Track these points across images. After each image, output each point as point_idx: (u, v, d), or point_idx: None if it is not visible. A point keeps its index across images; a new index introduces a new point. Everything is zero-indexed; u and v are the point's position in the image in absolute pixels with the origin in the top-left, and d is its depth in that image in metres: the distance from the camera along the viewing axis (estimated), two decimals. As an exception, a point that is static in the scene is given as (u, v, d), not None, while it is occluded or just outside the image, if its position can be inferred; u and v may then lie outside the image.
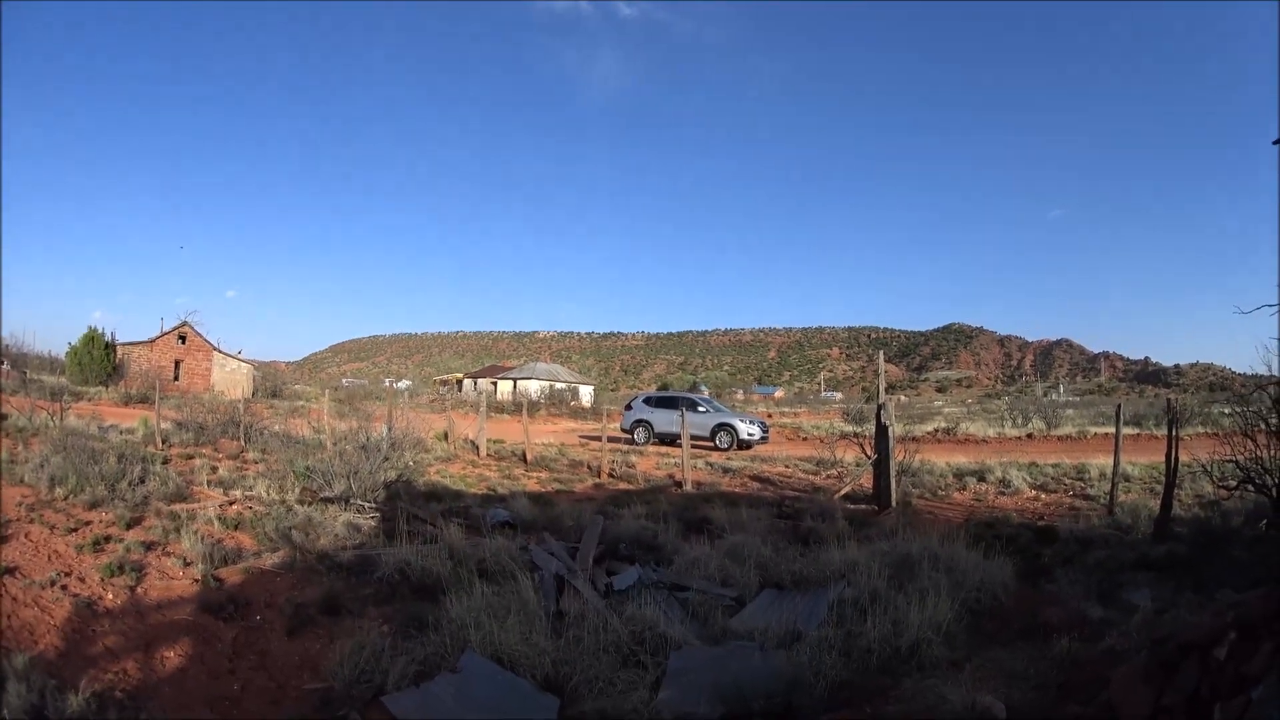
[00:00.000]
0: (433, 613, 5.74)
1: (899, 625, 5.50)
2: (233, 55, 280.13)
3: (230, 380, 47.55)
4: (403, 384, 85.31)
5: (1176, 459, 9.69)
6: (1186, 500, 11.17)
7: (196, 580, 6.58)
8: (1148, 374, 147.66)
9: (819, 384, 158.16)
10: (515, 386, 70.30)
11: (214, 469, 11.92)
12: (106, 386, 39.62)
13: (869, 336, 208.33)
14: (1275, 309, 6.80)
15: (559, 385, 69.59)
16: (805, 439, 30.01)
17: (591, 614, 5.72)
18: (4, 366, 36.75)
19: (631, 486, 14.71)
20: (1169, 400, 11.82)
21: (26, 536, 7.05)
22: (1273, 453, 7.44)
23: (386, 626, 5.72)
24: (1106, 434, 22.80)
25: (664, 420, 25.46)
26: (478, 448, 19.38)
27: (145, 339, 47.30)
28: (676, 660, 5.07)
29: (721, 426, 24.70)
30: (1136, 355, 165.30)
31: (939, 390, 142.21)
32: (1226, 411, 12.24)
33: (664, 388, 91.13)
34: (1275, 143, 5.45)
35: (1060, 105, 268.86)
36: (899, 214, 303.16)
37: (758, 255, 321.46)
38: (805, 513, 11.02)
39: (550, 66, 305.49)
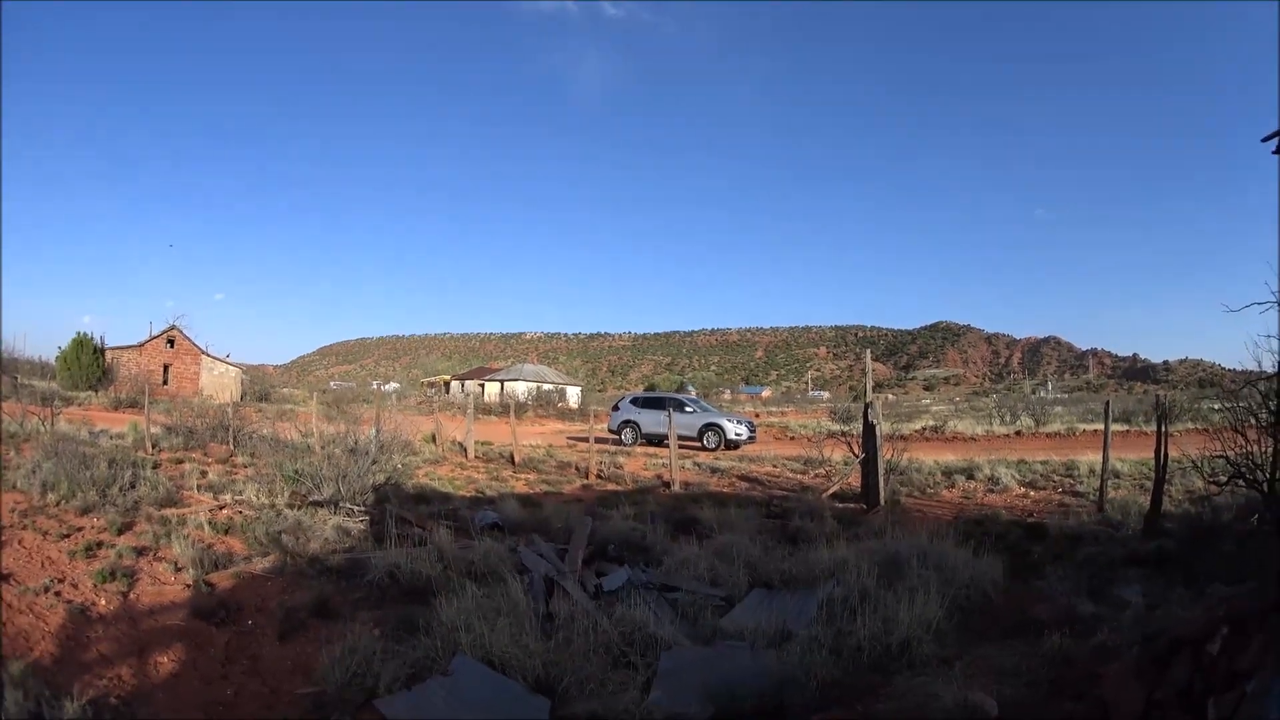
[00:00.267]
0: (423, 616, 5.76)
1: (889, 623, 5.53)
2: (220, 58, 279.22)
3: (219, 384, 47.28)
4: (390, 386, 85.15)
5: (1166, 455, 9.76)
6: (1177, 496, 11.24)
7: (188, 585, 6.60)
8: (1136, 370, 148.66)
9: (806, 383, 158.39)
10: (503, 388, 70.23)
11: (204, 473, 11.90)
12: (96, 391, 39.34)
13: (856, 335, 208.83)
14: (1265, 306, 6.89)
15: (546, 386, 69.47)
16: (793, 438, 30.08)
17: (581, 615, 5.76)
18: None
19: (619, 487, 14.74)
20: (1158, 396, 11.93)
21: (20, 543, 7.05)
22: (1263, 448, 7.47)
23: (377, 630, 5.73)
24: (1095, 431, 23.02)
25: (651, 421, 25.46)
26: (466, 450, 19.36)
27: (134, 343, 46.94)
28: (667, 661, 5.11)
29: (709, 426, 24.75)
30: (1125, 352, 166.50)
31: (926, 388, 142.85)
32: (1216, 407, 12.36)
33: (651, 388, 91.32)
34: (1276, 152, 5.51)
35: (1046, 103, 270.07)
36: (885, 213, 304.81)
37: (744, 255, 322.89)
38: (794, 512, 11.08)
39: (537, 67, 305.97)
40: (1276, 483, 7.23)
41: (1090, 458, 15.41)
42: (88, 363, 42.15)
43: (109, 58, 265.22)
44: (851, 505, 12.34)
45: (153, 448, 14.70)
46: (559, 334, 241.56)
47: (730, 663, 5.10)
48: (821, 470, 16.63)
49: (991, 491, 13.80)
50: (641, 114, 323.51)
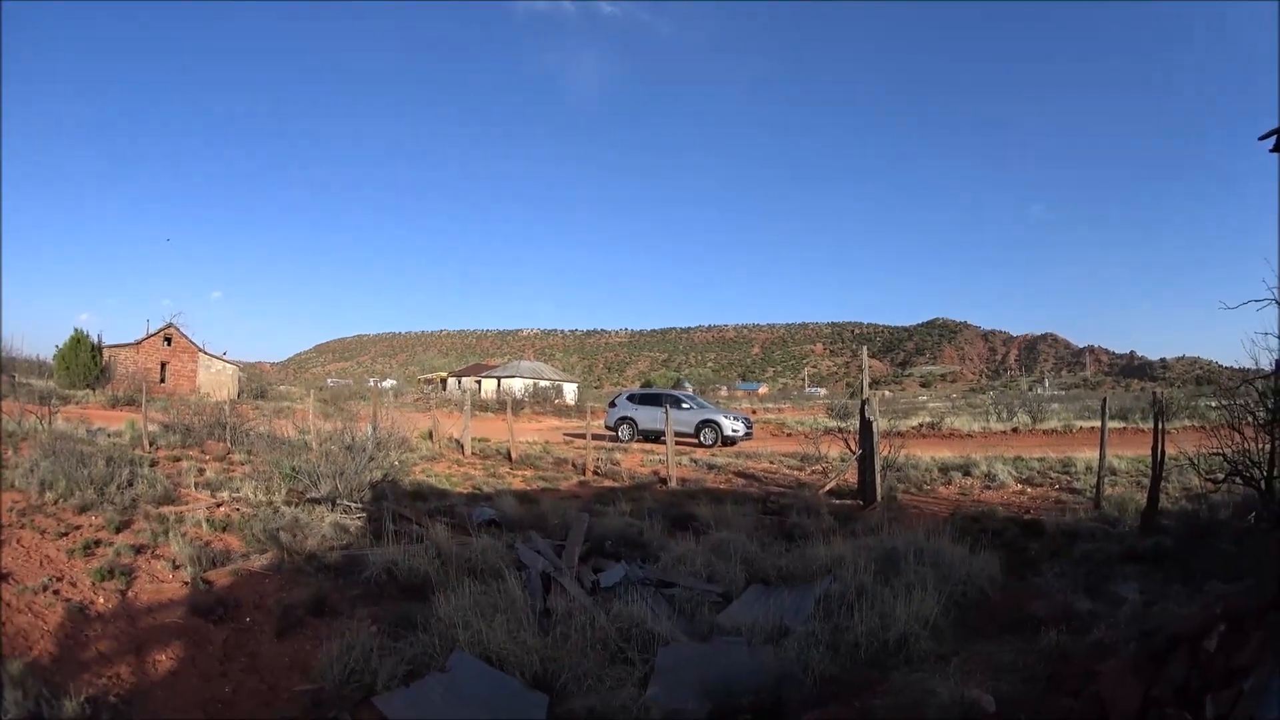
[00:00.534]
0: (421, 612, 5.77)
1: (886, 619, 5.54)
2: (217, 58, 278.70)
3: (216, 381, 47.26)
4: (387, 383, 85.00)
5: (1163, 452, 9.76)
6: (1173, 493, 11.25)
7: (186, 583, 6.62)
8: (1133, 368, 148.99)
9: (803, 380, 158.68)
10: (499, 385, 70.14)
11: (201, 471, 11.90)
12: (94, 389, 39.29)
13: (852, 332, 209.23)
14: (1262, 304, 6.91)
15: (543, 383, 69.46)
16: (789, 435, 30.14)
17: (579, 611, 5.78)
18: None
19: (616, 484, 14.75)
20: (1155, 394, 11.94)
21: (18, 542, 7.07)
22: (1261, 446, 7.47)
23: (375, 626, 5.72)
24: (1092, 428, 22.99)
25: (648, 417, 25.46)
26: (462, 446, 19.37)
27: (131, 341, 46.93)
28: (664, 657, 5.12)
29: (706, 423, 24.75)
30: (1122, 349, 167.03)
31: (923, 385, 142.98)
32: (1213, 405, 12.33)
33: (648, 385, 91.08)
34: (1273, 150, 5.53)
35: (1043, 102, 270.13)
36: (882, 210, 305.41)
37: (741, 252, 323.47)
38: (790, 508, 11.11)
39: (533, 67, 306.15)
40: (1274, 480, 7.24)
41: (1087, 455, 15.38)
42: (85, 361, 42.10)
43: (108, 58, 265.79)
44: (848, 501, 12.37)
45: (150, 446, 14.70)
46: (555, 331, 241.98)
47: (727, 659, 5.11)
48: (818, 467, 16.62)
49: (988, 488, 13.79)
50: (638, 112, 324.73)
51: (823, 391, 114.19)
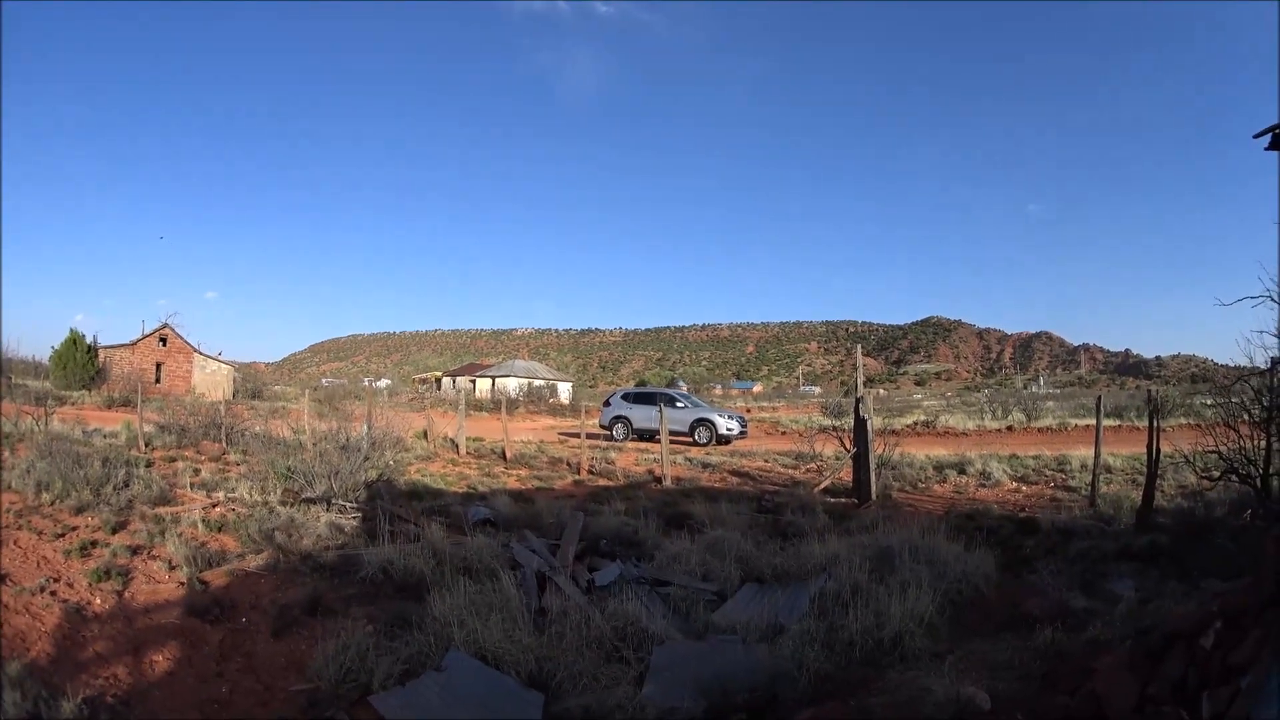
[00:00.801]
0: (416, 611, 5.80)
1: (881, 617, 5.55)
2: (212, 59, 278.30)
3: (211, 382, 47.15)
4: (382, 383, 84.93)
5: (1158, 450, 9.78)
6: (1169, 491, 11.28)
7: (182, 583, 6.63)
8: (1129, 366, 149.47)
9: (797, 378, 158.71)
10: (494, 384, 70.03)
11: (197, 471, 11.92)
12: (89, 390, 39.21)
13: (847, 331, 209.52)
14: (1257, 301, 6.95)
15: (537, 382, 69.36)
16: (784, 433, 30.16)
17: (574, 610, 5.80)
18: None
19: (611, 483, 14.76)
20: (1150, 391, 11.96)
21: (15, 543, 7.09)
22: (1256, 443, 7.50)
23: (371, 626, 5.73)
24: (1087, 426, 23.05)
25: (642, 416, 25.49)
26: (457, 446, 19.36)
27: (127, 342, 46.84)
28: (659, 655, 5.14)
29: (700, 422, 24.75)
30: (1117, 347, 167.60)
31: (918, 383, 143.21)
32: (1209, 403, 12.38)
33: (642, 384, 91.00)
34: (1268, 148, 5.57)
35: (1038, 99, 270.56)
36: (877, 209, 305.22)
37: (735, 251, 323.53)
38: (785, 507, 11.13)
39: (529, 66, 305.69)
40: (1270, 478, 7.29)
41: (1082, 452, 15.45)
42: (81, 362, 42.02)
43: (107, 57, 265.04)
44: (843, 500, 12.40)
45: (146, 446, 14.70)
46: (550, 330, 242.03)
47: (722, 657, 5.14)
48: (813, 465, 16.64)
49: (983, 486, 13.81)
50: (634, 112, 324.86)
51: (817, 390, 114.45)
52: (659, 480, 14.81)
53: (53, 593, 5.98)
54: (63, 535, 7.57)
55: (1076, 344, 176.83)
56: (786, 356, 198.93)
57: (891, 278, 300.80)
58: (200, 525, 8.37)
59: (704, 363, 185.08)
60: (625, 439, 25.19)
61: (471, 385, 70.14)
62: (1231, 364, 9.35)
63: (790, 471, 16.62)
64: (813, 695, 4.64)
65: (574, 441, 21.81)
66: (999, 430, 26.95)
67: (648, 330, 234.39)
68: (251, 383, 55.28)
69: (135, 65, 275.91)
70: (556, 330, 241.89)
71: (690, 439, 24.13)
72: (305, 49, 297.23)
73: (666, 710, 4.48)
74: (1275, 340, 7.26)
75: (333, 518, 8.99)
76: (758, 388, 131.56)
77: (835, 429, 16.80)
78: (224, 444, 15.49)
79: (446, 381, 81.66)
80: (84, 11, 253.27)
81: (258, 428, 17.70)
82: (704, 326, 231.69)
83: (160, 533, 7.76)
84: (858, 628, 5.47)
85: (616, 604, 5.94)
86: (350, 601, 6.57)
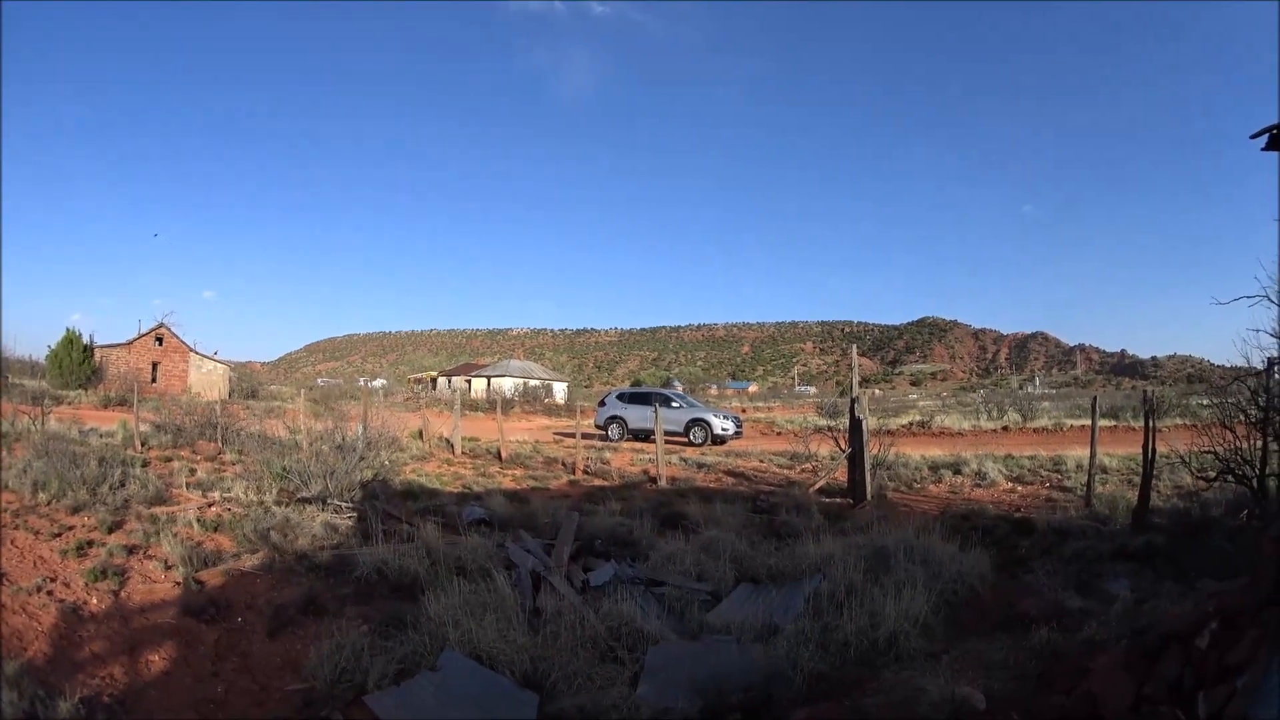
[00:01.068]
0: (411, 611, 5.82)
1: (876, 618, 5.58)
2: (211, 59, 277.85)
3: (207, 381, 47.02)
4: (377, 383, 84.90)
5: (1154, 450, 9.79)
6: (1165, 491, 11.28)
7: (178, 583, 6.65)
8: (1124, 366, 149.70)
9: (793, 379, 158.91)
10: (489, 384, 69.89)
11: (192, 471, 11.91)
12: (86, 390, 39.08)
13: (842, 331, 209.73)
14: (1254, 300, 6.99)
15: (533, 382, 69.23)
16: (779, 434, 30.18)
17: (569, 610, 5.83)
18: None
19: (606, 483, 14.76)
20: (1146, 392, 11.97)
21: (12, 543, 7.09)
22: (1253, 444, 7.52)
23: (366, 626, 5.77)
24: (1083, 426, 23.08)
25: (638, 416, 25.44)
26: (453, 446, 19.35)
27: (123, 341, 46.67)
28: (654, 655, 5.17)
29: (695, 422, 24.76)
30: (1113, 348, 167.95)
31: (913, 384, 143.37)
32: (1205, 403, 12.41)
33: (637, 384, 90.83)
34: (1265, 148, 5.60)
35: (1034, 99, 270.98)
36: (872, 208, 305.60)
37: (731, 251, 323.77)
38: (780, 507, 11.15)
39: (525, 66, 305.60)
40: (1266, 478, 7.32)
41: (1078, 453, 15.41)
42: (77, 361, 41.87)
43: (107, 57, 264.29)
44: (838, 500, 12.40)
45: (142, 446, 14.68)
46: (545, 330, 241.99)
47: (717, 657, 5.17)
48: (808, 465, 16.64)
49: (979, 486, 13.80)
50: (629, 112, 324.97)
51: (812, 390, 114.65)
52: (654, 480, 14.82)
53: (49, 592, 5.99)
54: (59, 535, 7.57)
55: (1072, 344, 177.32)
56: (782, 356, 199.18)
57: (887, 278, 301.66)
58: (196, 525, 8.38)
59: (699, 363, 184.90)
60: (620, 439, 25.18)
61: (467, 385, 70.09)
62: (1228, 364, 9.39)
63: (785, 472, 16.63)
64: (808, 695, 4.66)
65: (569, 441, 21.83)
66: (994, 430, 26.95)
67: (643, 330, 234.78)
68: (247, 382, 55.05)
69: (135, 65, 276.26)
70: (552, 330, 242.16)
71: (685, 439, 24.14)
72: (303, 49, 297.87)
73: (661, 710, 4.50)
74: (1272, 340, 7.30)
75: (328, 517, 9.00)
76: (753, 388, 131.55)
77: (830, 429, 16.84)
78: (220, 444, 15.47)
79: (442, 381, 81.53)
80: (84, 11, 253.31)
81: (253, 427, 17.70)
82: (699, 326, 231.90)
83: (156, 532, 7.77)
84: (852, 628, 5.50)
85: (611, 604, 5.97)
86: (345, 601, 6.58)
